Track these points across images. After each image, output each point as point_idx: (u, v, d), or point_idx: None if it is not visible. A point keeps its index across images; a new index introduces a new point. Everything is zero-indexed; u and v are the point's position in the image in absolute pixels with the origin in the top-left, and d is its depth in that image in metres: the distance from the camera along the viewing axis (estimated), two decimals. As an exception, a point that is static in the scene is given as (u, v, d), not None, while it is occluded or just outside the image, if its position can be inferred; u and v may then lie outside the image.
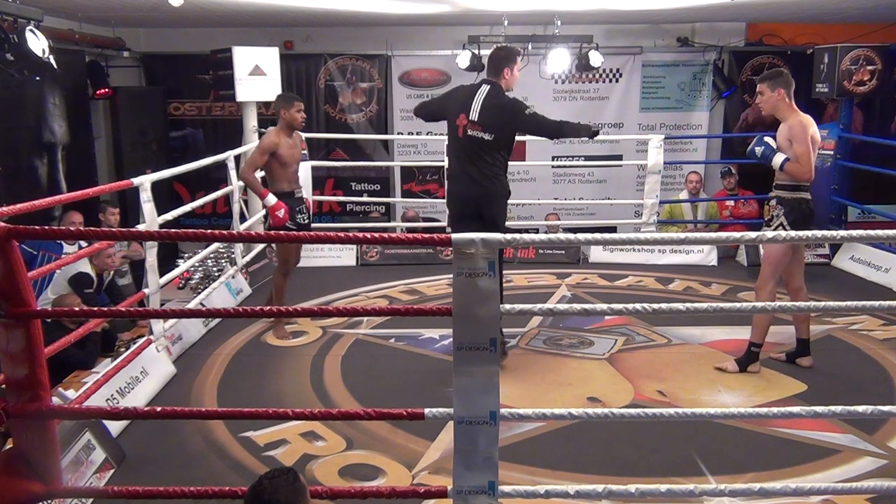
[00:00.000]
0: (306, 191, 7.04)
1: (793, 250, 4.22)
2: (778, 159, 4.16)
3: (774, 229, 4.20)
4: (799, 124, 4.11)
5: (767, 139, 4.31)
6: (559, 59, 8.02)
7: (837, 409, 2.56)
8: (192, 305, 5.05)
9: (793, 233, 2.42)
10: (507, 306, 2.37)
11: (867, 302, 2.65)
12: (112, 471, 3.22)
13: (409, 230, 7.94)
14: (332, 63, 8.92)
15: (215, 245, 5.97)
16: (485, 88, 4.23)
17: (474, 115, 4.18)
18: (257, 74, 6.73)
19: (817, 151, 4.25)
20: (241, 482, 2.97)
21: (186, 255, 6.26)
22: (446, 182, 4.57)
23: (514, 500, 2.73)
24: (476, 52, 7.98)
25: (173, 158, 8.16)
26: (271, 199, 4.79)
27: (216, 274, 5.92)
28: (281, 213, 4.78)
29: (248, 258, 6.29)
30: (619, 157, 8.78)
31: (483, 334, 2.30)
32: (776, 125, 4.32)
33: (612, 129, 8.93)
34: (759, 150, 4.29)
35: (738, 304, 3.54)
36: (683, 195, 7.74)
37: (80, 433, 3.13)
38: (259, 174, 5.05)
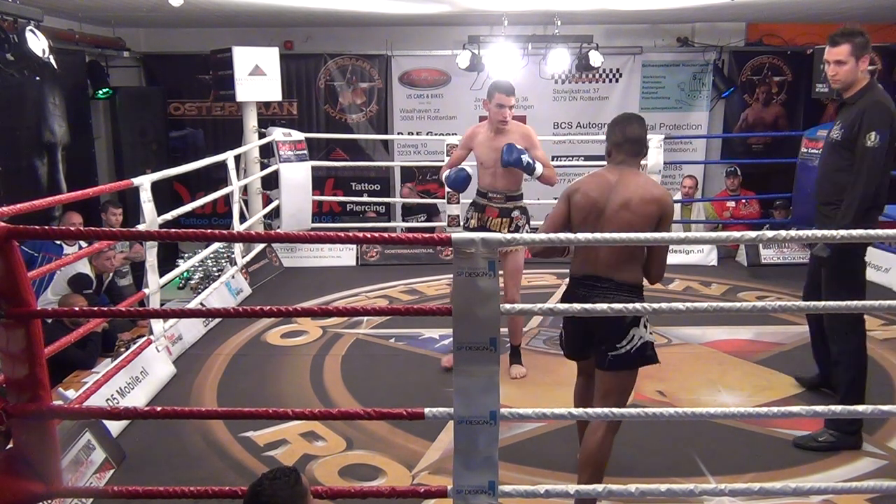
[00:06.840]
0: (305, 192, 7.06)
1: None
2: None
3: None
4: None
5: None
6: (559, 59, 8.01)
7: (837, 408, 2.56)
8: (192, 305, 5.05)
9: (794, 233, 2.41)
10: (507, 306, 2.37)
11: (867, 302, 2.65)
12: (112, 471, 3.22)
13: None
14: (332, 63, 8.92)
15: (215, 245, 5.97)
16: None
17: None
18: (257, 74, 6.72)
19: None
20: (241, 482, 2.97)
21: (186, 255, 6.27)
22: None
23: (514, 500, 2.74)
24: (476, 52, 7.97)
25: (173, 158, 8.15)
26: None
27: (216, 274, 5.92)
28: None
29: (248, 258, 6.29)
30: (619, 157, 8.76)
31: (483, 334, 2.30)
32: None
33: (611, 129, 8.92)
34: None
35: (738, 304, 3.53)
36: (677, 198, 7.73)
37: (80, 433, 3.13)
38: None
